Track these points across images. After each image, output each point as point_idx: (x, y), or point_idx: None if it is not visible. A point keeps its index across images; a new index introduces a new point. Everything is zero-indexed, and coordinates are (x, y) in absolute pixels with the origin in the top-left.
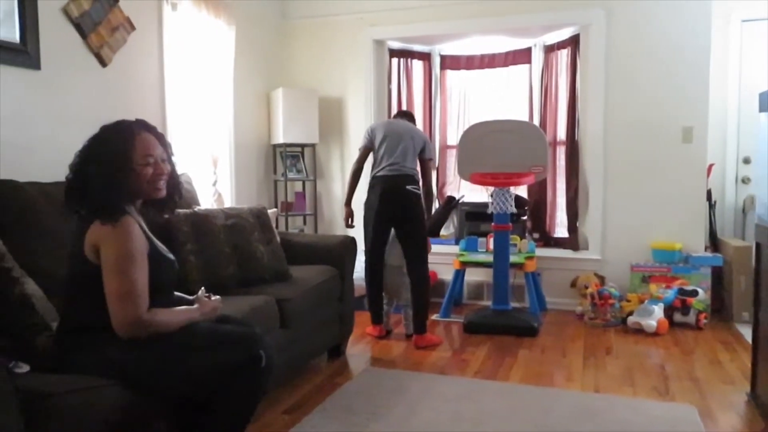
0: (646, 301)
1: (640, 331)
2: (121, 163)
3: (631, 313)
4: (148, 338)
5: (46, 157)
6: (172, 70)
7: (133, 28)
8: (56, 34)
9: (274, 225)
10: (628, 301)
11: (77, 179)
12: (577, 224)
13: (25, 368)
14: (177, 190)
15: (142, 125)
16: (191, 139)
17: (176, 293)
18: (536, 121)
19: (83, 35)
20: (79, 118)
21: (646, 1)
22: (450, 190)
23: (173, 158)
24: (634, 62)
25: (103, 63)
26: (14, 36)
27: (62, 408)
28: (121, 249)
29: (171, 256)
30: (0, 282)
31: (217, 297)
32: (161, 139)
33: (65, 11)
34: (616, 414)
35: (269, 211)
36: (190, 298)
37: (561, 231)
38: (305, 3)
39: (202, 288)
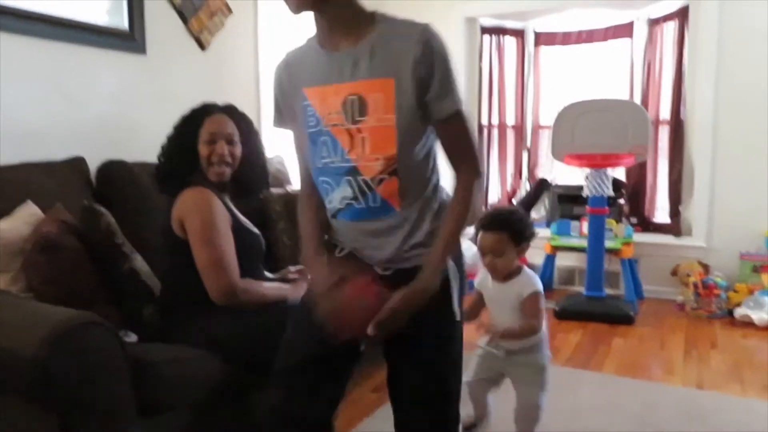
0: (756, 292)
1: (749, 324)
2: (185, 139)
3: (739, 305)
4: (243, 311)
5: (150, 137)
6: (266, 52)
7: (230, 11)
8: (160, 20)
9: None
10: (736, 291)
11: (160, 156)
12: (680, 209)
13: (133, 337)
14: (250, 177)
15: (222, 108)
16: None
17: (266, 273)
18: (637, 100)
19: (185, 20)
20: (180, 101)
21: None
22: (542, 172)
23: (259, 147)
24: (751, 34)
25: (202, 47)
26: (123, 23)
27: (167, 376)
28: (205, 219)
29: (256, 230)
30: (112, 256)
31: (301, 268)
32: (241, 123)
33: None
34: (727, 414)
35: None
36: (274, 276)
37: (661, 216)
38: None
39: (289, 267)
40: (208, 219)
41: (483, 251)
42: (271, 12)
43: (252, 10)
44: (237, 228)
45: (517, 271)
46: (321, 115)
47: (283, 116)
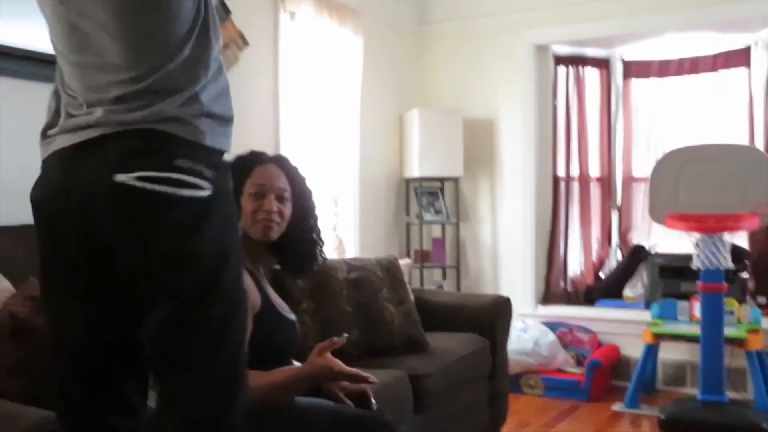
0: None
1: None
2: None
3: None
4: (267, 416)
5: None
6: (288, 90)
7: (246, 43)
8: None
9: (406, 280)
10: None
11: None
12: None
13: None
14: (298, 247)
15: (275, 159)
16: (309, 173)
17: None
18: (760, 144)
19: None
20: None
21: None
22: (638, 237)
23: (312, 210)
24: None
25: None
26: None
27: None
28: None
29: (292, 316)
30: None
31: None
32: (295, 178)
33: None
34: None
35: (401, 262)
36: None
37: None
38: (447, 4)
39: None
40: None
41: None
42: (295, 40)
43: (272, 39)
44: (267, 311)
45: None
46: None
47: None
